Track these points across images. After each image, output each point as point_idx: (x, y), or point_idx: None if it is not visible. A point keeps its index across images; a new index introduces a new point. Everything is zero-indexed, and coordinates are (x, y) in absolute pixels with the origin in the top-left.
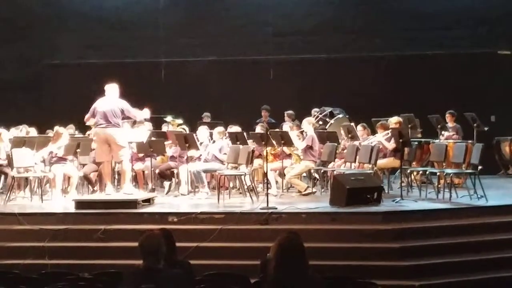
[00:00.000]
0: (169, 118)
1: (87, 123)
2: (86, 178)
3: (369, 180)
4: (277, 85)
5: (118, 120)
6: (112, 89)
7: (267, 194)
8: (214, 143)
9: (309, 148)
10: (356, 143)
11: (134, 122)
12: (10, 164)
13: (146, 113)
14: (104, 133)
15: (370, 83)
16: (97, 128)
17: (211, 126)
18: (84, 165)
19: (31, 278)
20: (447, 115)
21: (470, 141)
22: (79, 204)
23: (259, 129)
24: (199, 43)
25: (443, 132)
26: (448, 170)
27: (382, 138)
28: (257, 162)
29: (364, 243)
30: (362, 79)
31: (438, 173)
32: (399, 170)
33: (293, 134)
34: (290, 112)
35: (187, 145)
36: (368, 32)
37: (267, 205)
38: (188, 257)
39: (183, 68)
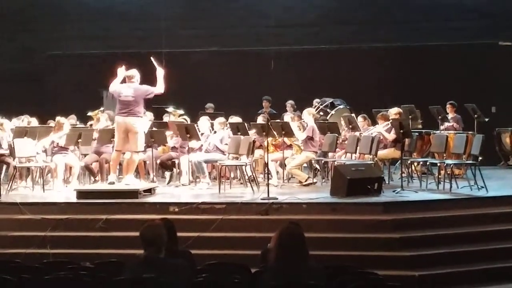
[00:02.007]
0: (170, 109)
1: (90, 113)
2: (87, 168)
3: (370, 171)
4: (278, 76)
5: (140, 109)
6: (133, 76)
7: (268, 185)
8: (215, 134)
9: (310, 138)
10: (357, 134)
11: None
12: (12, 154)
13: (160, 87)
14: (124, 121)
15: (371, 74)
16: (118, 116)
17: (212, 116)
18: (85, 155)
19: (33, 267)
20: (447, 106)
21: (470, 132)
22: (81, 194)
23: (260, 119)
24: (200, 34)
25: (444, 123)
26: (449, 161)
27: (382, 129)
28: (258, 152)
29: (365, 234)
30: (363, 70)
31: (438, 164)
32: (399, 161)
33: (294, 125)
34: (292, 102)
35: (188, 135)
36: (369, 23)
37: (268, 195)
38: (189, 247)
39: (185, 59)
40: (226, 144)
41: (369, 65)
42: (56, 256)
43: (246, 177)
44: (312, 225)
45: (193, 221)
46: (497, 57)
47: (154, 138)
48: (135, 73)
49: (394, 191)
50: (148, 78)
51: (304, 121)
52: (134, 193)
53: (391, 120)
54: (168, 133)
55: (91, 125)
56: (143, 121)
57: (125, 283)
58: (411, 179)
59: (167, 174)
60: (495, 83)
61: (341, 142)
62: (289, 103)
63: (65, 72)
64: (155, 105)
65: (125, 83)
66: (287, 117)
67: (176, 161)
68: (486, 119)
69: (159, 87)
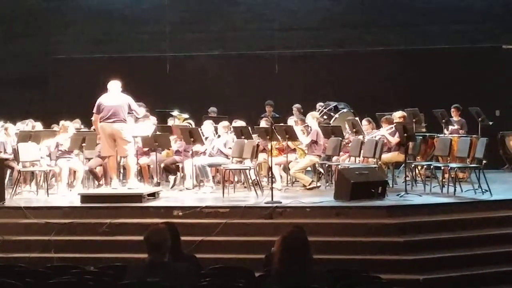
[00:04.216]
0: (175, 113)
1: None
2: (91, 172)
3: (374, 174)
4: (282, 79)
5: (125, 116)
6: (115, 86)
7: (271, 188)
8: (219, 138)
9: (314, 142)
10: (361, 137)
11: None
12: (16, 158)
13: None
14: (110, 128)
15: (374, 78)
16: (103, 123)
17: (216, 120)
18: (89, 159)
19: (37, 272)
20: (452, 109)
21: (474, 136)
22: (85, 198)
23: (263, 123)
24: (204, 38)
25: (449, 127)
26: (453, 165)
27: (385, 132)
28: (261, 156)
29: (369, 237)
30: (366, 73)
31: (442, 168)
32: (403, 165)
33: (298, 129)
34: (298, 105)
35: (192, 139)
36: (372, 27)
37: (272, 199)
38: (193, 251)
39: (188, 62)
40: (230, 148)
41: (373, 68)
42: (60, 260)
43: (250, 181)
44: (316, 229)
45: (197, 225)
46: (501, 60)
47: (158, 142)
48: (117, 83)
49: (398, 195)
50: (150, 81)
51: (307, 125)
52: (138, 197)
53: (395, 124)
54: (172, 137)
55: (95, 129)
56: (129, 126)
57: (129, 287)
58: (415, 182)
59: (171, 178)
60: (499, 87)
61: (345, 145)
62: (295, 107)
63: (70, 76)
64: (159, 109)
65: (107, 93)
66: (291, 120)
67: (180, 165)
68: (490, 123)
69: (140, 112)
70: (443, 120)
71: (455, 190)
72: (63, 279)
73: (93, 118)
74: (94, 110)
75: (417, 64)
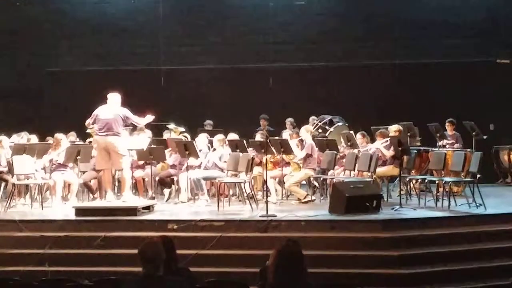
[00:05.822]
0: (171, 126)
1: (88, 129)
2: (86, 185)
3: (368, 188)
4: (276, 93)
5: (119, 129)
6: (114, 98)
7: (266, 202)
8: (214, 151)
9: (309, 156)
10: (356, 151)
11: (133, 130)
12: (10, 171)
13: (149, 118)
14: (104, 141)
15: (369, 92)
16: (97, 136)
17: (211, 133)
18: (84, 172)
19: (31, 285)
20: (447, 123)
21: (469, 150)
22: (79, 211)
23: (258, 137)
24: (198, 51)
25: (444, 141)
26: (447, 179)
27: (380, 146)
28: (256, 170)
29: (363, 251)
30: (361, 87)
31: (437, 181)
32: (398, 178)
33: (293, 143)
34: (292, 119)
35: (187, 152)
36: (367, 41)
37: (267, 212)
38: (188, 265)
39: (183, 76)
40: (225, 161)
41: (368, 82)
42: (55, 274)
43: (245, 194)
44: (310, 242)
45: (191, 238)
46: (495, 74)
47: (153, 155)
48: (116, 96)
49: (392, 209)
50: (144, 94)
51: (303, 138)
52: (132, 211)
53: (389, 137)
54: (167, 150)
55: (90, 142)
56: (123, 140)
57: None
58: (409, 196)
59: (166, 191)
60: (493, 101)
61: (339, 158)
62: (289, 120)
63: (64, 89)
64: (154, 122)
65: (105, 104)
66: (286, 134)
67: (175, 178)
68: (484, 137)
69: (140, 121)
70: (438, 134)
71: (449, 204)
72: None
73: (87, 125)
74: (90, 118)
75: (412, 78)
